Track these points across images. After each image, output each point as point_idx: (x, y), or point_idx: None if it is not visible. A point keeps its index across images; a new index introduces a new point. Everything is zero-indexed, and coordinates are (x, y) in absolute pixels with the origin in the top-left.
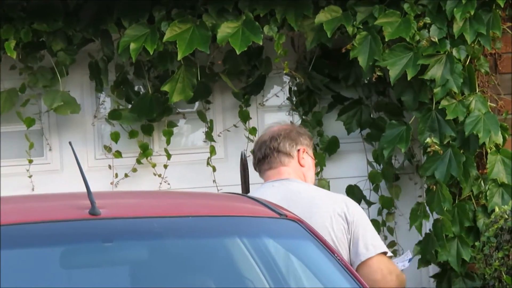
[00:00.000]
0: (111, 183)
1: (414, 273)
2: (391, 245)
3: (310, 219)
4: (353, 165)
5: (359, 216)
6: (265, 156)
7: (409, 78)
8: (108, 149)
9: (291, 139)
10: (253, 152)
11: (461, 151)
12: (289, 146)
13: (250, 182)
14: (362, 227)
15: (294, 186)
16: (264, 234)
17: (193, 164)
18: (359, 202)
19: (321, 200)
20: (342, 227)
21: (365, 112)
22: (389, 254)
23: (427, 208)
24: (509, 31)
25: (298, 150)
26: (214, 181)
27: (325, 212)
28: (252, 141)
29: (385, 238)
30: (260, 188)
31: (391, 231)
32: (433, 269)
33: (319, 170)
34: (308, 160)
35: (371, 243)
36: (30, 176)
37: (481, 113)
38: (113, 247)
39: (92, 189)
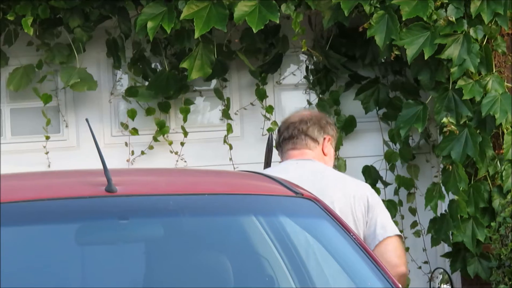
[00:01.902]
0: (127, 160)
1: (427, 253)
2: (413, 225)
3: (332, 196)
4: (369, 144)
5: (378, 202)
6: (291, 136)
7: (426, 58)
8: (124, 126)
9: (320, 126)
10: (278, 131)
11: (478, 131)
12: (317, 132)
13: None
14: (380, 211)
15: (319, 166)
16: (280, 212)
17: (210, 142)
18: (375, 183)
19: (345, 181)
20: (362, 208)
21: (383, 91)
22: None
23: (443, 188)
24: None
25: (324, 138)
26: (230, 159)
27: (349, 191)
28: (268, 119)
29: (402, 218)
30: (282, 164)
31: (413, 211)
32: (441, 248)
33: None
34: (331, 151)
35: (390, 225)
36: (46, 153)
37: (498, 94)
38: (128, 224)
39: (108, 166)
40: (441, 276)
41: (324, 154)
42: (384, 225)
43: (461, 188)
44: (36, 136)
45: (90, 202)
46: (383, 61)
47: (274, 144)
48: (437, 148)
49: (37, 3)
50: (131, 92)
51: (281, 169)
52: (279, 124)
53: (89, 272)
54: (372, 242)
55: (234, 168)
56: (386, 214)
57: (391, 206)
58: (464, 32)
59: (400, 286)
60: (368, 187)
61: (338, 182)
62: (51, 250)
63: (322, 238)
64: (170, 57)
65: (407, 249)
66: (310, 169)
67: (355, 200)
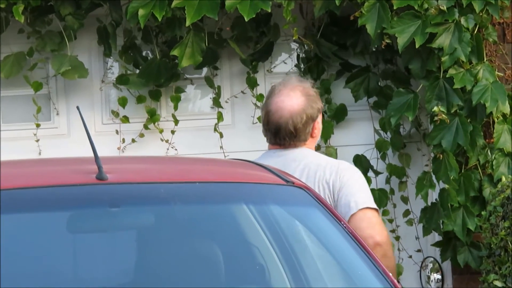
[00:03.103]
0: (118, 148)
1: (419, 242)
2: (405, 213)
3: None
4: (360, 133)
5: (346, 181)
6: (278, 137)
7: (417, 46)
8: (115, 114)
9: (311, 119)
10: (264, 114)
11: (468, 120)
12: (307, 130)
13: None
14: (347, 189)
15: (292, 156)
16: (271, 200)
17: (201, 130)
18: (366, 172)
19: (312, 168)
20: (327, 195)
21: (373, 80)
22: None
23: (434, 177)
24: None
25: (313, 128)
26: (221, 147)
27: (314, 180)
28: (259, 107)
29: (394, 207)
30: (261, 158)
31: (405, 200)
32: (433, 236)
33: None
34: (319, 127)
35: (354, 201)
36: (37, 140)
37: (488, 82)
38: (119, 212)
39: (99, 154)
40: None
41: (312, 137)
42: (348, 203)
43: (451, 177)
44: (27, 124)
45: (80, 190)
46: (374, 49)
47: None
48: (428, 137)
49: None
50: (122, 80)
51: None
52: (266, 102)
53: (80, 260)
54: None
55: (225, 156)
56: (352, 189)
57: (383, 195)
58: (455, 21)
59: (390, 275)
60: (336, 168)
61: (305, 169)
62: (42, 238)
63: (312, 226)
64: (161, 45)
65: (397, 238)
66: (282, 159)
67: (319, 186)
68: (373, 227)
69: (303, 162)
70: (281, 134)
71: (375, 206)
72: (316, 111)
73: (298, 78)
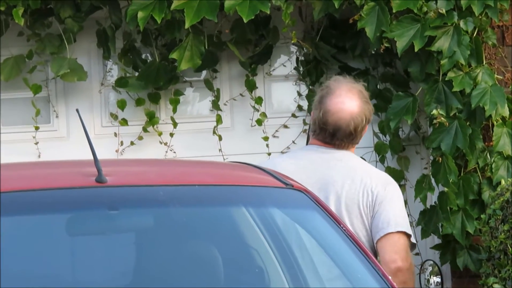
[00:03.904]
0: (116, 151)
1: (418, 245)
2: None
3: (342, 188)
4: None
5: (391, 196)
6: (336, 137)
7: (416, 50)
8: (114, 116)
9: (367, 121)
10: (323, 116)
11: (468, 123)
12: (362, 134)
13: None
14: (389, 205)
15: (339, 154)
16: (270, 203)
17: (199, 133)
18: None
19: (357, 171)
20: (370, 201)
21: (372, 83)
22: (413, 240)
23: (433, 180)
24: None
25: (364, 130)
26: (220, 150)
27: (358, 182)
28: (258, 110)
29: None
30: (299, 151)
31: (404, 203)
32: (432, 240)
33: None
34: (365, 129)
35: (394, 221)
36: (36, 143)
37: (487, 85)
38: (119, 215)
39: (99, 157)
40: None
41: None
42: (388, 220)
43: (451, 180)
44: (27, 127)
45: (80, 193)
46: (373, 52)
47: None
48: (427, 140)
49: None
50: (121, 83)
51: (295, 154)
52: (322, 101)
53: (80, 262)
54: (374, 236)
55: (223, 159)
56: (395, 209)
57: None
58: (454, 24)
59: (389, 277)
60: (383, 180)
61: (350, 171)
62: (41, 240)
63: (312, 229)
64: (160, 48)
65: None
66: (327, 156)
67: (363, 192)
68: (399, 253)
69: (350, 164)
70: (339, 134)
71: (411, 232)
72: (370, 114)
73: (348, 78)
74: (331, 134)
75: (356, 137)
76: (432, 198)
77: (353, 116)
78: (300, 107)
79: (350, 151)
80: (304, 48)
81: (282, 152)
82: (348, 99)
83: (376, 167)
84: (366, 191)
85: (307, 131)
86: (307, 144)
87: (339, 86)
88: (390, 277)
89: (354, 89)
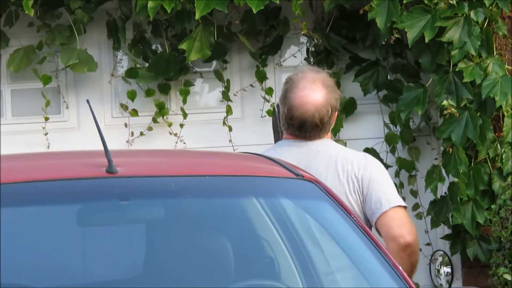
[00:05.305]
0: (127, 142)
1: (429, 235)
2: (415, 207)
3: (326, 180)
4: (370, 126)
5: (376, 176)
6: (303, 129)
7: (426, 41)
8: (124, 107)
9: (334, 110)
10: (288, 111)
11: (478, 114)
12: (331, 122)
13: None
14: (376, 184)
15: (316, 147)
16: (281, 194)
17: (209, 124)
18: None
19: (338, 158)
20: (356, 189)
21: (382, 73)
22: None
23: (443, 170)
24: None
25: (334, 118)
26: (230, 140)
27: (341, 174)
28: (268, 101)
29: (403, 200)
30: (278, 148)
31: (414, 194)
32: (442, 230)
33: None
34: (334, 117)
35: (385, 198)
36: (45, 134)
37: (498, 76)
38: (129, 205)
39: (109, 148)
40: (441, 258)
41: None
42: (380, 200)
43: (461, 171)
44: (37, 117)
45: (90, 183)
46: (383, 43)
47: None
48: (438, 131)
49: None
50: (131, 74)
51: (276, 152)
52: (286, 96)
53: (90, 253)
54: (371, 219)
55: (233, 149)
56: (383, 186)
57: None
58: (464, 15)
59: (400, 268)
60: (364, 162)
61: (331, 161)
62: (52, 231)
63: (322, 220)
64: (170, 39)
65: None
66: (304, 150)
67: (347, 180)
68: (404, 226)
69: (328, 154)
70: (306, 127)
71: (404, 204)
72: (337, 102)
73: (313, 68)
74: (298, 128)
75: (324, 127)
76: (443, 189)
77: (317, 108)
78: None
79: (326, 137)
80: (315, 39)
81: None
82: (311, 92)
83: (386, 157)
84: (350, 178)
85: (274, 128)
86: (275, 141)
87: (302, 78)
88: (400, 253)
89: (318, 79)
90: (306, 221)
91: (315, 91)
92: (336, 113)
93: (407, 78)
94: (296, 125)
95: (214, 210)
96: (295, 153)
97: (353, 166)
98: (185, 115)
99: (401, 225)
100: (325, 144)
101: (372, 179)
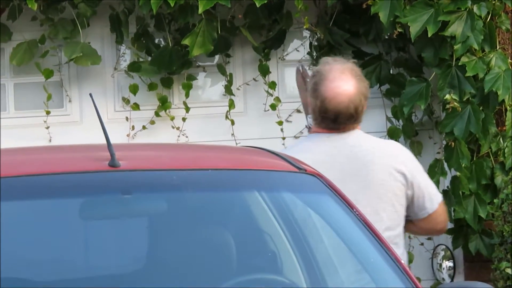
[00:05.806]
0: (128, 135)
1: None
2: None
3: (367, 176)
4: (372, 120)
5: (416, 169)
6: (338, 121)
7: (429, 35)
8: (126, 101)
9: (365, 98)
10: (321, 104)
11: (481, 108)
12: (363, 112)
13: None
14: (419, 178)
15: (351, 140)
16: (283, 188)
17: (212, 118)
18: None
19: (376, 154)
20: (401, 184)
21: (385, 67)
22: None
23: (445, 164)
24: None
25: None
26: (232, 134)
27: (383, 168)
28: (271, 95)
29: None
30: (308, 141)
31: None
32: None
33: None
34: (365, 106)
35: (429, 197)
36: (47, 127)
37: (501, 70)
38: (132, 199)
39: (111, 141)
40: (443, 253)
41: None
42: (424, 201)
43: (463, 165)
44: (40, 111)
45: (93, 177)
46: (386, 37)
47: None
48: (440, 125)
49: None
50: (134, 68)
51: (307, 147)
52: (317, 89)
53: (93, 247)
54: (417, 214)
55: (236, 143)
56: (425, 182)
57: None
58: (467, 9)
59: (402, 262)
60: (402, 156)
61: (368, 155)
62: (54, 224)
63: (325, 214)
64: (173, 33)
65: None
66: (339, 144)
67: (389, 174)
68: (446, 219)
69: (364, 147)
70: (341, 119)
71: (441, 195)
72: (367, 90)
73: (337, 58)
74: (333, 120)
75: (358, 117)
76: (445, 183)
77: (351, 99)
78: None
79: (357, 129)
80: (317, 33)
81: (295, 137)
82: (343, 82)
83: None
84: (391, 172)
85: (299, 86)
86: (309, 130)
87: (331, 70)
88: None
89: (346, 69)
90: (308, 215)
91: (346, 82)
92: (367, 101)
93: (409, 72)
94: (331, 117)
95: (216, 204)
96: (329, 148)
97: (393, 159)
98: (187, 109)
99: (444, 219)
100: (359, 137)
101: (413, 174)
